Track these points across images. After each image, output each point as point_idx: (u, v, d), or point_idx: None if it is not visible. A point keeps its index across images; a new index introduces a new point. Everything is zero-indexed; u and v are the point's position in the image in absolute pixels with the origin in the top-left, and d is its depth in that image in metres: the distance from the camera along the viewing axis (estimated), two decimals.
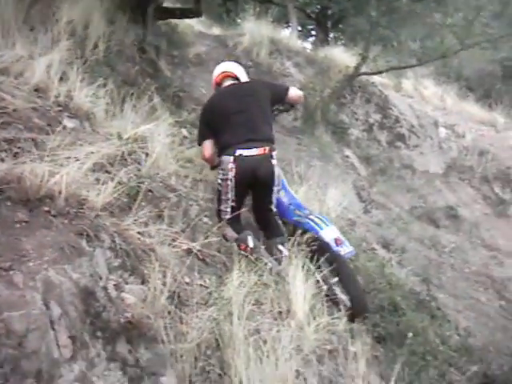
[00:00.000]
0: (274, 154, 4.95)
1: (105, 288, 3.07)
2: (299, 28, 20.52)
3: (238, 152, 4.80)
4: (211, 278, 4.05)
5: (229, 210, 4.93)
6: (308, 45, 20.20)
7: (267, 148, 4.89)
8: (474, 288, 8.39)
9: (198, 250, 4.18)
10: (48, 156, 3.61)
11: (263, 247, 4.84)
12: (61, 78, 5.19)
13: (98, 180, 3.87)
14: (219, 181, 4.94)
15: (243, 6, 17.23)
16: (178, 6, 11.14)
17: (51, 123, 4.41)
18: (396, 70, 14.05)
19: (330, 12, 19.04)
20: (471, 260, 9.42)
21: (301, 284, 4.35)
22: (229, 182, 4.83)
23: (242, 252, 4.58)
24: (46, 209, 3.24)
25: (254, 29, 12.33)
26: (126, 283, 3.27)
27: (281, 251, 4.84)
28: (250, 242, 4.72)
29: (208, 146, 5.24)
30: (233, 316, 3.55)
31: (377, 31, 12.43)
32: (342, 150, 11.34)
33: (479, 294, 8.25)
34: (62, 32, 6.36)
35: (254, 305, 3.90)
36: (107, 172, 4.16)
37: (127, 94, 6.03)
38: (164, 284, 3.38)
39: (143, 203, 4.12)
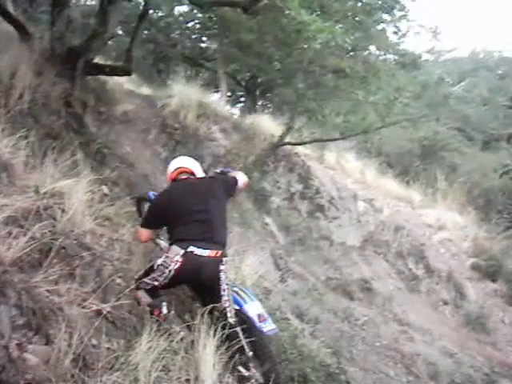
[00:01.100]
0: (224, 259, 4.90)
1: (6, 347, 2.96)
2: (228, 94, 20.84)
3: (191, 248, 4.68)
4: (119, 341, 3.95)
5: (151, 286, 4.79)
6: (236, 111, 20.59)
7: (219, 252, 4.83)
8: (383, 362, 8.47)
9: (108, 312, 4.07)
10: None
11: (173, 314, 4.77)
12: None
13: (9, 234, 3.77)
14: (158, 262, 4.78)
15: (174, 68, 17.44)
16: (109, 62, 11.15)
17: None
18: (319, 142, 14.43)
19: (259, 80, 19.45)
20: (383, 334, 9.53)
21: (211, 352, 4.29)
22: (166, 271, 4.69)
23: (155, 318, 4.50)
24: None
25: (183, 91, 12.39)
26: (30, 343, 3.16)
27: (241, 373, 4.66)
28: (164, 309, 4.64)
29: (148, 234, 5.20)
30: (139, 382, 3.45)
31: (303, 103, 12.77)
32: (263, 217, 11.43)
33: (388, 368, 8.32)
34: None
35: (161, 371, 3.78)
36: (20, 226, 4.06)
37: (49, 147, 5.96)
38: (69, 345, 3.27)
39: (55, 260, 4.02)
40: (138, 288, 4.79)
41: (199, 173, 5.44)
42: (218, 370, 4.23)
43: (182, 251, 4.65)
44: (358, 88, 13.19)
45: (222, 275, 4.83)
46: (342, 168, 16.19)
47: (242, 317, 4.86)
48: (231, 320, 4.73)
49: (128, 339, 4.07)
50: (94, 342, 3.69)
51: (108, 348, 3.78)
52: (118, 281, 4.70)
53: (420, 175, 18.81)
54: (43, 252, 3.99)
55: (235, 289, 5.15)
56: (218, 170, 5.90)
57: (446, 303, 12.62)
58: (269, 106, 23.02)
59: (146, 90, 13.39)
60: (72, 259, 4.29)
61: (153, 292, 4.77)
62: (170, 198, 5.15)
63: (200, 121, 12.38)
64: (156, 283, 4.73)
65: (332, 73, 12.84)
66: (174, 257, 4.66)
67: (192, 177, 5.37)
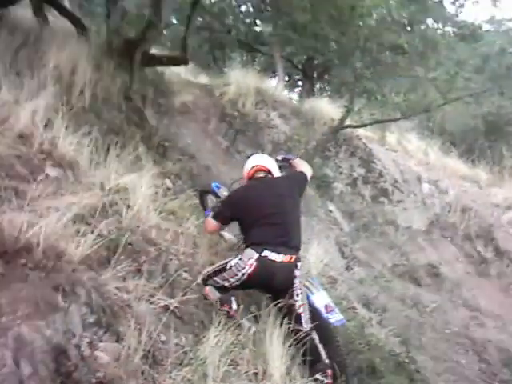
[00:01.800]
0: (299, 264, 4.83)
1: (78, 346, 3.01)
2: (286, 78, 20.72)
3: (265, 253, 4.62)
4: (187, 336, 3.98)
5: (220, 285, 4.79)
6: (294, 95, 20.44)
7: (294, 257, 4.75)
8: (454, 350, 8.29)
9: (176, 307, 4.11)
10: (28, 205, 3.57)
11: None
12: (45, 125, 5.20)
13: (77, 232, 3.83)
14: (232, 262, 4.73)
15: (230, 54, 17.45)
16: (166, 53, 11.20)
17: (34, 171, 4.41)
18: (380, 124, 14.17)
19: (315, 62, 19.27)
20: (452, 320, 9.33)
21: (279, 345, 4.28)
22: (239, 274, 4.67)
23: (224, 312, 4.50)
24: (23, 261, 3.19)
25: (240, 78, 12.37)
26: (100, 341, 3.20)
27: (321, 381, 4.51)
28: (234, 304, 4.60)
29: (216, 227, 5.22)
30: (207, 377, 3.46)
31: (361, 83, 12.52)
32: (326, 204, 11.32)
33: (459, 356, 8.15)
34: (48, 77, 6.37)
35: (229, 365, 3.80)
36: (87, 224, 4.13)
37: (112, 142, 6.02)
38: (139, 342, 3.31)
39: (122, 257, 4.07)
40: (205, 284, 4.80)
41: (276, 171, 5.37)
42: (286, 362, 4.21)
43: (257, 255, 4.61)
44: (417, 64, 12.86)
45: (297, 281, 4.77)
46: (404, 149, 15.85)
47: (309, 307, 4.79)
48: (306, 326, 4.67)
49: (196, 334, 4.10)
50: (163, 337, 3.73)
51: (176, 344, 3.81)
52: (185, 275, 4.74)
53: (485, 153, 18.20)
54: (110, 249, 4.05)
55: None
56: (279, 158, 5.84)
57: None
58: (327, 88, 22.80)
59: (203, 79, 13.40)
60: (139, 255, 4.36)
61: (221, 288, 4.76)
62: (248, 196, 5.10)
63: (258, 107, 12.34)
64: (226, 284, 4.73)
65: (389, 50, 12.48)
66: (248, 260, 4.62)
67: (269, 176, 5.30)
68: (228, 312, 4.54)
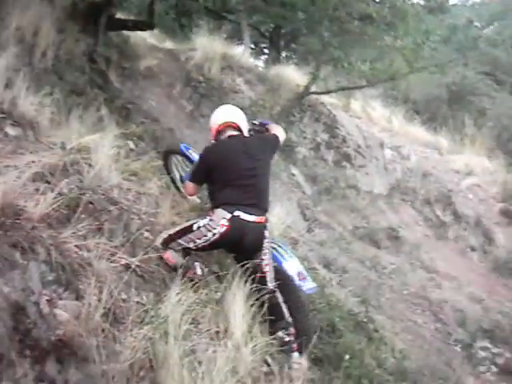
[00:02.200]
0: (267, 225, 4.85)
1: (37, 303, 2.99)
2: (252, 46, 20.57)
3: (237, 212, 4.60)
4: (149, 295, 3.98)
5: (183, 247, 4.73)
6: (260, 63, 20.33)
7: (264, 218, 4.77)
8: (411, 310, 8.50)
9: (137, 266, 4.10)
10: None
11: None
12: (6, 85, 5.11)
13: (37, 190, 3.80)
14: (200, 223, 4.66)
15: (197, 22, 17.22)
16: (131, 17, 11.08)
17: None
18: (345, 91, 14.23)
19: (283, 31, 19.16)
20: (410, 282, 9.51)
21: (241, 303, 4.31)
22: (209, 235, 4.60)
23: (189, 278, 4.50)
24: None
25: (206, 44, 12.24)
26: (60, 299, 3.19)
27: (282, 338, 4.58)
28: (198, 270, 4.64)
29: (195, 189, 5.19)
30: (169, 335, 3.47)
31: (328, 51, 12.54)
32: (289, 168, 11.37)
33: (416, 316, 8.36)
34: (10, 38, 6.26)
35: (191, 324, 3.82)
36: (47, 182, 4.10)
37: (74, 103, 5.99)
38: (99, 300, 3.30)
39: (83, 215, 4.03)
40: (164, 248, 4.74)
41: (245, 127, 5.26)
42: (248, 321, 4.25)
43: (229, 215, 4.58)
44: (384, 34, 12.93)
45: (265, 241, 4.79)
46: (368, 116, 15.95)
47: (280, 275, 4.82)
48: (270, 285, 4.69)
49: (157, 292, 4.10)
50: (124, 296, 3.73)
51: (137, 302, 3.82)
52: (146, 234, 4.72)
53: (448, 121, 18.42)
54: (71, 207, 4.01)
55: (273, 245, 5.09)
56: (256, 122, 5.74)
57: (473, 249, 12.47)
58: (293, 56, 22.73)
59: (169, 45, 13.28)
60: (100, 214, 4.31)
61: (183, 252, 4.72)
62: (222, 154, 5.00)
63: (224, 73, 12.27)
64: (191, 245, 4.69)
65: (358, 19, 12.53)
66: (220, 220, 4.58)
67: (239, 133, 5.17)
68: (191, 277, 4.56)
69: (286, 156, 11.57)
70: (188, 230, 4.72)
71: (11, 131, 4.64)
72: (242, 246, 4.74)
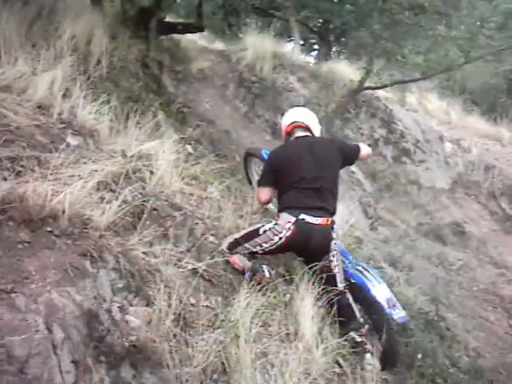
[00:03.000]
0: (335, 226, 4.77)
1: (109, 310, 3.01)
2: (302, 42, 20.51)
3: (302, 216, 4.54)
4: (217, 298, 3.97)
5: (249, 251, 4.70)
6: (311, 59, 20.23)
7: (330, 219, 4.68)
8: (482, 307, 8.31)
9: (204, 270, 4.10)
10: (51, 174, 3.56)
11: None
12: (64, 95, 5.19)
13: (102, 199, 3.82)
14: (266, 227, 4.65)
15: (245, 21, 17.25)
16: (181, 20, 11.14)
17: (54, 141, 4.39)
18: (400, 84, 14.02)
19: (332, 26, 19.03)
20: (479, 278, 9.32)
21: (309, 305, 4.26)
22: (275, 238, 4.57)
23: (257, 281, 4.46)
24: (49, 229, 3.19)
25: (256, 43, 12.27)
26: (131, 305, 3.21)
27: (354, 339, 4.51)
28: (266, 272, 4.53)
29: (267, 193, 5.01)
30: (239, 339, 3.45)
31: (380, 44, 12.34)
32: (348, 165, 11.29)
33: (488, 313, 8.17)
34: (64, 48, 6.37)
35: (261, 327, 3.80)
36: (111, 190, 4.11)
37: (131, 110, 6.00)
38: (169, 306, 3.30)
39: (148, 222, 4.06)
40: (231, 252, 4.70)
41: (316, 128, 5.17)
42: (318, 323, 4.21)
43: (294, 218, 4.53)
44: (437, 23, 12.66)
45: (333, 242, 4.71)
46: (425, 109, 15.73)
47: (369, 302, 4.74)
48: (340, 285, 4.64)
49: (225, 296, 4.09)
50: (193, 300, 3.74)
51: (207, 306, 3.81)
52: (211, 239, 4.70)
53: (508, 111, 18.04)
54: (136, 215, 4.03)
55: (359, 267, 5.01)
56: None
57: None
58: (344, 51, 22.57)
59: (219, 46, 13.35)
60: (164, 220, 4.33)
61: (250, 256, 4.68)
62: (287, 155, 4.96)
63: (276, 72, 12.27)
64: (258, 249, 4.66)
65: (409, 9, 12.30)
66: (286, 224, 4.54)
67: (309, 134, 5.11)
68: (260, 281, 4.51)
69: None
70: (254, 234, 4.68)
71: (72, 141, 4.67)
72: (308, 249, 4.69)
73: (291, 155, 4.93)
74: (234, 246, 4.71)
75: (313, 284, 4.37)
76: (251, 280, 4.34)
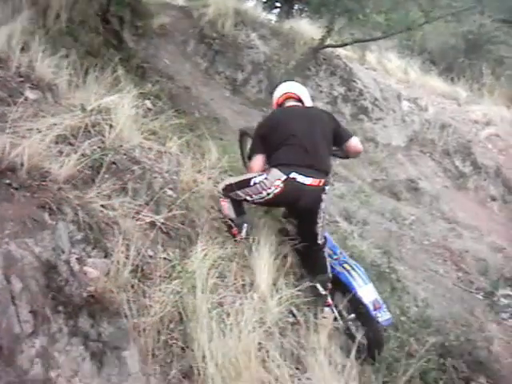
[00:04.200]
0: (326, 188, 4.67)
1: (67, 262, 3.07)
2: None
3: (293, 174, 4.47)
4: (175, 251, 4.04)
5: (241, 199, 4.77)
6: (273, 17, 20.06)
7: (322, 180, 4.59)
8: (432, 260, 8.55)
9: (162, 223, 4.15)
10: (10, 128, 3.55)
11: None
12: (22, 49, 5.11)
13: (60, 152, 3.84)
14: (256, 180, 4.62)
15: None
16: None
17: (12, 94, 4.36)
18: (360, 43, 14.05)
19: None
20: (431, 232, 9.54)
21: (266, 257, 4.37)
22: (263, 193, 4.59)
23: (231, 235, 4.58)
24: (8, 181, 3.21)
25: (219, 0, 12.16)
26: (89, 257, 3.27)
27: (318, 290, 4.69)
28: (243, 232, 4.67)
29: (259, 161, 4.84)
30: (196, 289, 3.55)
31: (342, 3, 12.29)
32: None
33: (438, 266, 8.41)
34: (23, 1, 6.23)
35: (217, 278, 3.91)
36: (70, 144, 4.12)
37: (90, 65, 5.95)
38: (127, 257, 3.37)
39: (106, 176, 4.08)
40: (225, 195, 4.82)
41: (307, 100, 5.16)
42: (273, 274, 4.32)
43: (284, 177, 4.49)
44: None
45: (323, 204, 4.70)
46: (384, 68, 15.80)
47: (355, 303, 4.75)
48: (320, 242, 4.75)
49: (183, 248, 4.16)
50: (150, 252, 3.81)
51: (164, 258, 3.88)
52: (169, 192, 4.73)
53: (465, 71, 18.17)
54: (94, 168, 4.04)
55: (346, 265, 4.99)
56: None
57: (494, 199, 12.47)
58: (306, 9, 22.38)
59: (181, 1, 13.16)
60: (123, 174, 4.34)
61: (238, 206, 4.80)
62: (275, 120, 4.94)
63: (238, 29, 12.15)
64: (248, 198, 4.72)
65: None
66: (275, 181, 4.51)
67: (300, 104, 5.11)
68: (234, 235, 4.63)
69: None
70: (246, 183, 4.71)
71: (30, 95, 4.65)
72: (296, 209, 4.77)
73: (279, 118, 4.95)
74: (227, 190, 4.81)
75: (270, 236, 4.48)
76: (228, 231, 4.64)
